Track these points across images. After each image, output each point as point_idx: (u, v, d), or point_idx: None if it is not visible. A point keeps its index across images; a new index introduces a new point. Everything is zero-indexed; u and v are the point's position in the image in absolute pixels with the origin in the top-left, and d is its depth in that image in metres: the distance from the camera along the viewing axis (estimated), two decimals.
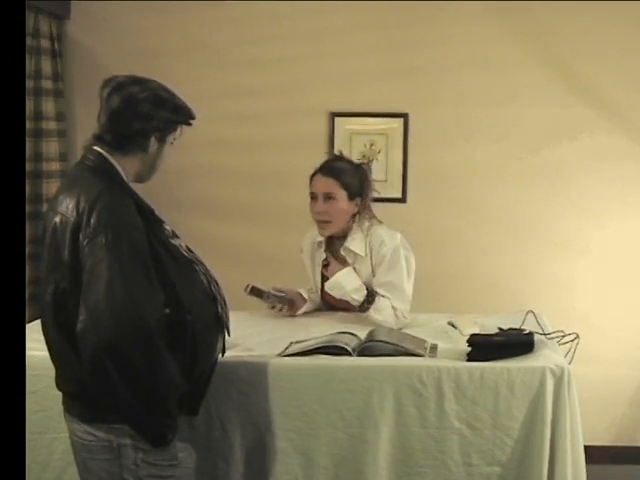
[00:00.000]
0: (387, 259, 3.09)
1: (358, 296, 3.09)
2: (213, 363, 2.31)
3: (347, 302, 3.16)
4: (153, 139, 2.20)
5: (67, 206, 2.10)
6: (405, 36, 4.19)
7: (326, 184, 3.10)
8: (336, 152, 3.27)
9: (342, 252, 3.17)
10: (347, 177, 3.12)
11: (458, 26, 4.18)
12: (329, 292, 3.19)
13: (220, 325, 2.30)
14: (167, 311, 2.10)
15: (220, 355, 2.36)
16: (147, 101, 2.16)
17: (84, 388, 2.10)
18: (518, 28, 4.16)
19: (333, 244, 3.25)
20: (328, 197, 3.10)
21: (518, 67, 4.18)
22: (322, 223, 3.13)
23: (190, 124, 2.27)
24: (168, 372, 2.07)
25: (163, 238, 2.20)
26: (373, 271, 3.12)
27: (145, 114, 2.16)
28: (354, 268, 3.14)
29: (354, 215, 3.16)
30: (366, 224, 3.16)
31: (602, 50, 4.13)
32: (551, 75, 4.17)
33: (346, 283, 3.10)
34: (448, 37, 4.18)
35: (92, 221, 2.03)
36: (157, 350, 2.03)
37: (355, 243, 3.13)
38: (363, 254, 3.12)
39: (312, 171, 3.18)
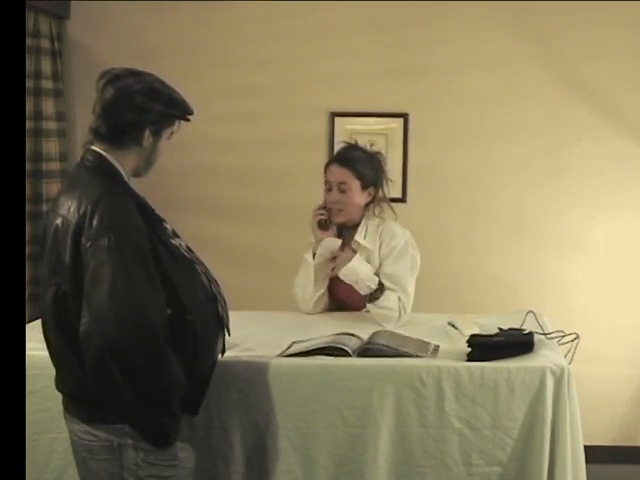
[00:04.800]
0: (396, 251, 3.13)
1: (372, 283, 3.08)
2: (213, 363, 2.31)
3: (354, 296, 3.16)
4: (148, 132, 2.18)
5: (68, 208, 2.09)
6: (405, 36, 4.19)
7: (341, 174, 3.16)
8: (351, 141, 3.31)
9: (352, 245, 3.19)
10: (361, 167, 3.17)
11: (458, 26, 4.18)
12: (342, 278, 3.14)
13: (220, 325, 2.29)
14: (169, 311, 2.10)
15: (220, 355, 2.36)
16: (141, 93, 2.15)
17: (85, 390, 2.10)
18: (519, 28, 4.16)
19: (344, 235, 3.26)
20: (342, 187, 3.15)
21: (519, 67, 4.18)
22: (335, 211, 3.18)
23: (187, 119, 2.26)
24: (172, 373, 2.07)
25: (164, 238, 2.20)
26: (380, 263, 3.14)
27: (139, 106, 2.15)
28: (364, 259, 3.15)
29: (367, 205, 3.21)
30: (377, 217, 3.21)
31: (605, 51, 4.13)
32: (552, 76, 4.17)
33: (360, 270, 3.09)
34: (448, 37, 4.18)
35: (94, 223, 2.03)
36: (161, 351, 2.04)
37: (365, 236, 3.17)
38: (371, 248, 3.15)
39: (326, 161, 3.28)
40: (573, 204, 4.24)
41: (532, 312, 2.95)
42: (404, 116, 4.24)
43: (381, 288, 3.08)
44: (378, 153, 3.30)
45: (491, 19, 4.16)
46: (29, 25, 3.94)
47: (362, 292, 3.11)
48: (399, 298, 3.07)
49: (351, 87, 4.23)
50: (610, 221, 4.22)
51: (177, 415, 2.12)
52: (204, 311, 2.22)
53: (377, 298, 3.08)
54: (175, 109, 2.21)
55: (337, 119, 4.25)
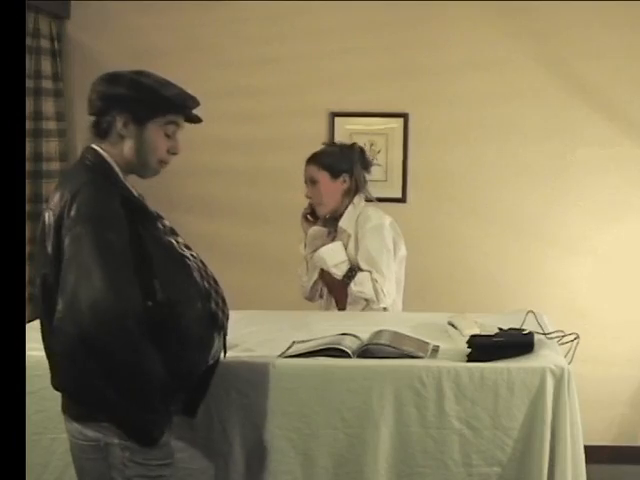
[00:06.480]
0: (369, 233, 3.23)
1: (338, 270, 3.24)
2: (211, 364, 2.29)
3: (341, 286, 3.27)
4: (123, 120, 2.17)
5: (53, 200, 2.12)
6: (405, 36, 4.20)
7: (309, 170, 3.34)
8: (326, 141, 3.46)
9: (338, 231, 3.33)
10: (327, 159, 3.32)
11: (458, 26, 4.18)
12: (315, 263, 3.34)
13: (214, 324, 2.25)
14: (149, 304, 2.08)
15: (221, 355, 2.34)
16: (103, 79, 2.19)
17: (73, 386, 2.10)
18: (519, 28, 4.16)
19: (330, 224, 3.38)
20: (312, 181, 3.31)
21: (519, 67, 4.18)
22: (316, 205, 3.35)
23: (169, 108, 2.20)
24: (147, 365, 2.03)
25: (156, 234, 2.18)
26: (357, 246, 3.25)
27: (102, 93, 2.18)
28: (345, 245, 3.28)
29: (349, 193, 3.32)
30: (362, 204, 3.32)
31: (604, 51, 4.14)
32: (552, 76, 4.17)
33: (328, 257, 3.25)
34: (448, 37, 4.19)
35: (72, 213, 2.05)
36: (134, 342, 2.00)
37: (346, 221, 3.30)
38: (350, 231, 3.27)
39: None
40: (573, 204, 4.24)
41: (532, 312, 2.94)
42: (404, 116, 4.24)
43: (351, 274, 3.20)
44: (353, 144, 3.44)
45: (490, 19, 4.16)
46: (29, 25, 3.94)
47: (335, 276, 3.26)
48: (375, 280, 3.17)
49: (351, 87, 4.24)
50: (610, 221, 4.22)
51: (160, 412, 2.08)
52: (194, 308, 2.17)
53: (347, 284, 3.22)
54: (140, 92, 2.17)
55: (337, 119, 4.25)
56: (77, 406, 2.13)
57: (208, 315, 2.23)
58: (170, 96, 2.20)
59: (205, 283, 2.24)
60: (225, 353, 2.37)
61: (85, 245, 2.01)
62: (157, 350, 2.06)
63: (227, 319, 2.31)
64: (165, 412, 2.11)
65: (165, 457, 2.15)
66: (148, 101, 2.17)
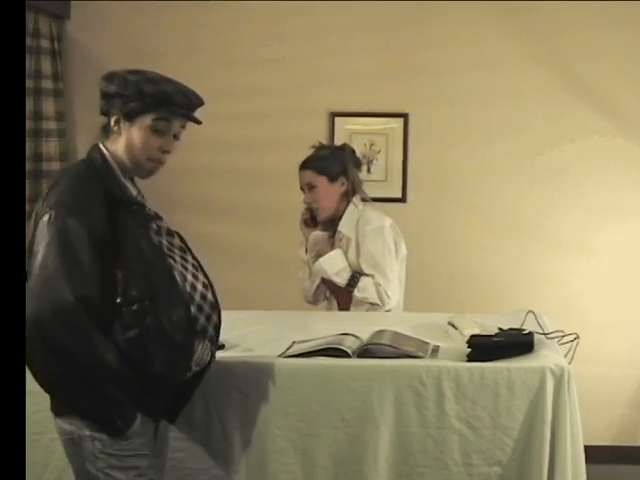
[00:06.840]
0: (370, 236, 3.23)
1: (340, 279, 3.24)
2: (197, 371, 2.24)
3: (344, 291, 3.27)
4: (116, 117, 2.19)
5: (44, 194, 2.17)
6: (405, 36, 4.20)
7: (305, 176, 3.32)
8: (316, 143, 3.42)
9: (337, 236, 3.33)
10: (322, 163, 3.30)
11: (458, 26, 4.18)
12: (316, 274, 3.33)
13: (193, 328, 2.17)
14: (118, 300, 2.08)
15: (212, 361, 2.29)
16: (103, 78, 2.22)
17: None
18: (519, 28, 4.17)
19: (330, 228, 3.37)
20: (310, 187, 3.29)
21: (519, 67, 4.19)
22: (315, 210, 3.33)
23: (155, 105, 2.18)
24: (98, 354, 2.03)
25: (143, 232, 2.17)
26: (358, 250, 3.24)
27: (103, 92, 2.22)
28: (344, 249, 3.28)
29: (346, 195, 3.31)
30: (360, 206, 3.31)
31: (604, 51, 4.14)
32: (552, 76, 4.18)
33: (328, 266, 3.25)
34: (448, 37, 4.19)
35: (44, 203, 2.10)
36: (82, 330, 2.02)
37: (345, 225, 3.30)
38: (350, 235, 3.26)
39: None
40: (573, 204, 4.24)
41: (532, 312, 2.94)
42: (404, 116, 4.24)
43: (353, 281, 3.20)
44: (343, 144, 3.45)
45: (491, 19, 4.17)
46: (29, 25, 3.94)
47: (338, 284, 3.25)
48: (378, 284, 3.17)
49: (351, 87, 4.24)
50: (609, 221, 4.22)
51: (125, 405, 2.07)
52: (166, 309, 2.11)
53: (351, 291, 3.21)
54: (126, 89, 2.18)
55: (337, 119, 4.25)
56: (54, 400, 2.15)
57: (187, 319, 2.16)
58: (153, 93, 2.17)
59: (188, 287, 2.18)
60: (213, 357, 2.30)
61: (48, 231, 2.05)
62: (128, 347, 2.07)
63: (214, 326, 2.24)
64: (132, 405, 2.09)
65: (139, 448, 2.13)
66: (133, 98, 2.18)
